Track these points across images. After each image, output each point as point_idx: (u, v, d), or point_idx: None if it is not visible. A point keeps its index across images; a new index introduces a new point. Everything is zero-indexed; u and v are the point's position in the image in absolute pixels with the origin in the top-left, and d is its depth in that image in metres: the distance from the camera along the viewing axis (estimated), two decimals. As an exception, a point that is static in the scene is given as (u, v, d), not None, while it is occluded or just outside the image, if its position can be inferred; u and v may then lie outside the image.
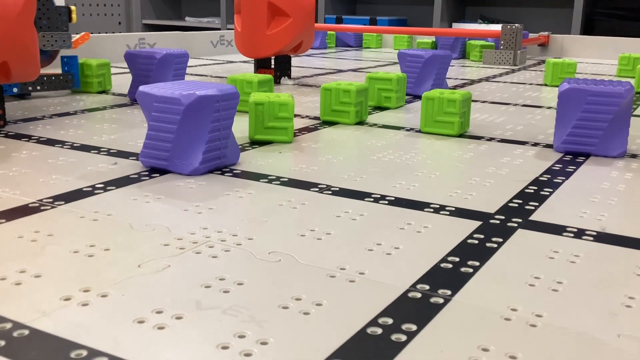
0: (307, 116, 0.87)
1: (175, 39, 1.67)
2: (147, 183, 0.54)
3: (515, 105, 1.03)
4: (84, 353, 0.28)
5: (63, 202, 0.49)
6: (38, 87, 0.96)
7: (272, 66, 1.20)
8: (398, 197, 0.52)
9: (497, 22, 2.31)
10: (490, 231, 0.45)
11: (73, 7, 0.95)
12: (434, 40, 1.90)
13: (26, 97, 0.97)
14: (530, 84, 1.30)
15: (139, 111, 0.87)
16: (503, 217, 0.48)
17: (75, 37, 0.97)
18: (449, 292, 0.35)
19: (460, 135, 0.77)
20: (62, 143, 0.68)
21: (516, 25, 1.64)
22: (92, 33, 2.27)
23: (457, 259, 0.40)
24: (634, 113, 0.95)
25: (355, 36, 2.13)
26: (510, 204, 0.51)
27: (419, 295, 0.35)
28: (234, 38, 1.16)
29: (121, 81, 1.18)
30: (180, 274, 0.37)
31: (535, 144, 0.74)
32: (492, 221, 0.47)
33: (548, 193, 0.54)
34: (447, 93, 0.76)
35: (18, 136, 0.71)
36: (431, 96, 0.76)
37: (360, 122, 0.83)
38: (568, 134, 0.68)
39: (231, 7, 2.75)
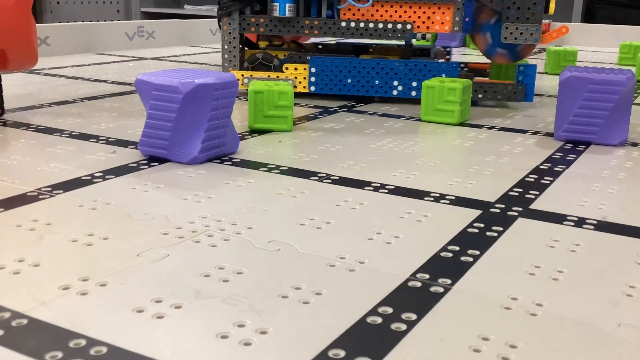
0: (306, 105, 0.87)
1: (174, 27, 1.67)
2: (146, 172, 0.54)
3: (516, 93, 1.02)
4: (83, 342, 0.28)
5: (62, 191, 0.49)
6: (489, 96, 0.86)
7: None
8: (398, 186, 0.52)
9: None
10: (491, 220, 0.45)
11: None
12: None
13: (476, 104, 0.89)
14: (531, 72, 1.29)
15: (139, 99, 0.86)
16: (503, 206, 0.48)
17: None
18: (449, 281, 0.35)
19: (461, 124, 0.76)
20: (60, 131, 0.68)
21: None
22: (90, 21, 2.27)
23: (457, 248, 0.40)
24: (635, 101, 0.94)
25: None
26: (511, 193, 0.51)
27: (419, 284, 0.35)
28: None
29: (121, 69, 1.18)
30: (180, 263, 0.37)
31: (536, 133, 0.73)
32: (492, 210, 0.47)
33: (548, 182, 0.54)
34: (447, 81, 0.75)
35: (17, 124, 0.70)
36: (431, 84, 0.76)
37: (361, 112, 0.83)
38: (569, 123, 0.67)
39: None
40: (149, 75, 0.56)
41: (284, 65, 0.89)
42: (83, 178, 0.52)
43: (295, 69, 0.88)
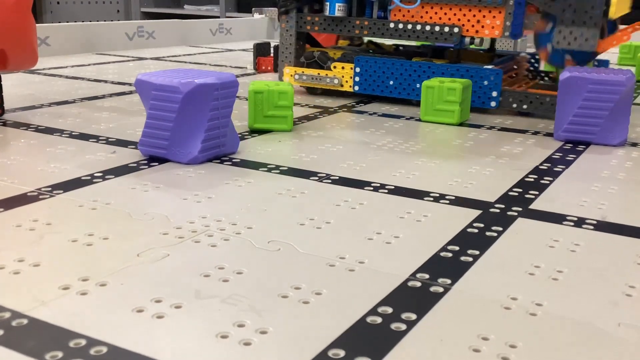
0: (306, 104, 0.87)
1: (174, 27, 1.67)
2: (146, 172, 0.54)
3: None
4: (83, 342, 0.28)
5: (62, 191, 0.49)
6: (535, 107, 0.80)
7: (272, 54, 1.20)
8: (398, 186, 0.52)
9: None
10: (490, 220, 0.45)
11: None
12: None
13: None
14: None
15: (139, 99, 0.86)
16: (503, 206, 0.48)
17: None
18: (448, 281, 0.35)
19: (461, 124, 0.76)
20: (60, 131, 0.68)
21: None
22: (90, 21, 2.26)
23: (457, 248, 0.40)
24: (635, 101, 0.94)
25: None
26: (510, 193, 0.51)
27: (418, 284, 0.35)
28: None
29: (121, 69, 1.18)
30: (180, 263, 0.37)
31: (535, 133, 0.73)
32: (492, 210, 0.47)
33: (548, 182, 0.54)
34: (447, 81, 0.75)
35: (17, 124, 0.70)
36: (431, 85, 0.76)
37: (361, 112, 0.83)
38: (569, 123, 0.67)
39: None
40: (149, 75, 0.56)
41: (332, 64, 0.90)
42: (83, 178, 0.52)
43: (343, 67, 0.89)
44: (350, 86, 0.89)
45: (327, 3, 0.88)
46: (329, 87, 0.91)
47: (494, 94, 0.82)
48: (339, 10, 0.87)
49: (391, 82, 0.87)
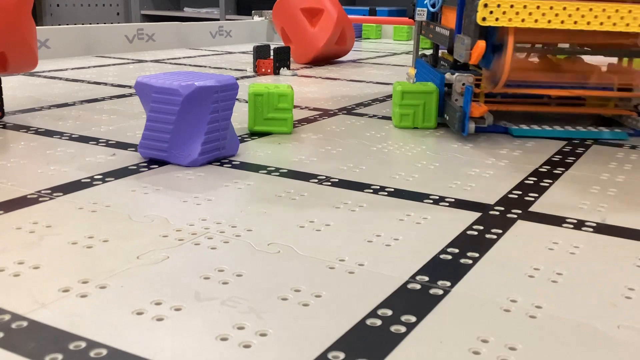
0: (306, 107, 0.87)
1: (174, 30, 1.67)
2: (146, 174, 0.54)
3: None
4: (83, 344, 0.28)
5: (61, 193, 0.49)
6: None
7: (271, 57, 1.20)
8: (397, 189, 0.52)
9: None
10: (490, 222, 0.45)
11: None
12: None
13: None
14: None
15: (139, 102, 0.86)
16: (502, 208, 0.48)
17: None
18: (448, 284, 0.35)
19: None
20: (60, 134, 0.68)
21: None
22: (90, 24, 2.26)
23: (457, 250, 0.40)
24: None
25: (354, 27, 2.13)
26: (510, 195, 0.51)
27: (418, 286, 0.35)
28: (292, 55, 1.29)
29: (121, 72, 1.18)
30: (179, 265, 0.37)
31: (535, 135, 0.73)
32: (491, 212, 0.47)
33: (548, 184, 0.54)
34: (401, 85, 0.74)
35: (16, 127, 0.70)
36: (395, 87, 0.75)
37: (361, 114, 0.83)
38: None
39: (231, -2, 2.74)
40: (149, 77, 0.56)
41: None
42: (83, 180, 0.52)
43: None
44: None
45: None
46: None
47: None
48: (418, 14, 0.87)
49: None
